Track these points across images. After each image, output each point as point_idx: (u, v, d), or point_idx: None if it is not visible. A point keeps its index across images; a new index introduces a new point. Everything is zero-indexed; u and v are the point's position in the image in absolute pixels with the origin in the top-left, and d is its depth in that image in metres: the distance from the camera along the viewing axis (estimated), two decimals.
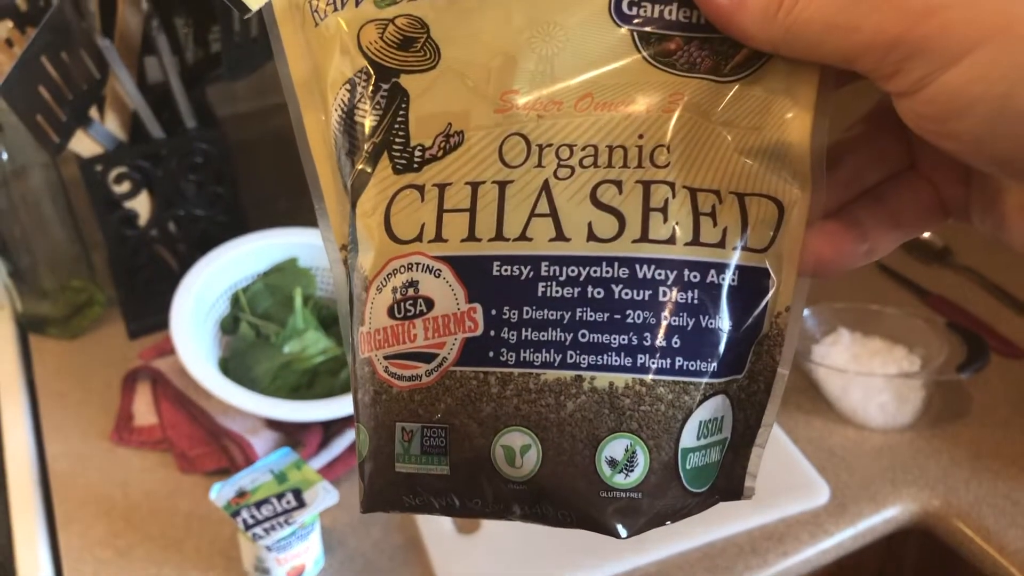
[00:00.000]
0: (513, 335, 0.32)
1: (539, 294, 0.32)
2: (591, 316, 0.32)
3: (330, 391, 0.94)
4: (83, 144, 0.95)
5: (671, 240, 0.32)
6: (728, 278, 0.33)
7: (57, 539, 0.87)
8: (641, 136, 0.33)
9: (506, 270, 0.32)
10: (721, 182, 0.33)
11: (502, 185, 0.33)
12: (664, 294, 0.32)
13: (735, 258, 0.33)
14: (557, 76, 0.33)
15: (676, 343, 0.32)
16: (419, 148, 0.33)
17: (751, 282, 0.34)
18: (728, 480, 0.35)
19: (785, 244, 0.34)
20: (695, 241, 0.33)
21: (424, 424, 0.33)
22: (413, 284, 0.33)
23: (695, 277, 0.32)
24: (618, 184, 0.32)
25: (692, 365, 0.33)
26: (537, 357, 0.32)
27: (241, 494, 0.80)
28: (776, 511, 0.89)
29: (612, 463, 0.32)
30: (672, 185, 0.32)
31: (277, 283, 1.01)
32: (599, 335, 0.32)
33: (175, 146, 0.99)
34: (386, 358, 0.34)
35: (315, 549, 0.83)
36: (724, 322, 0.33)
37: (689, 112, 0.33)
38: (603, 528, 0.33)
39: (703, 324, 0.33)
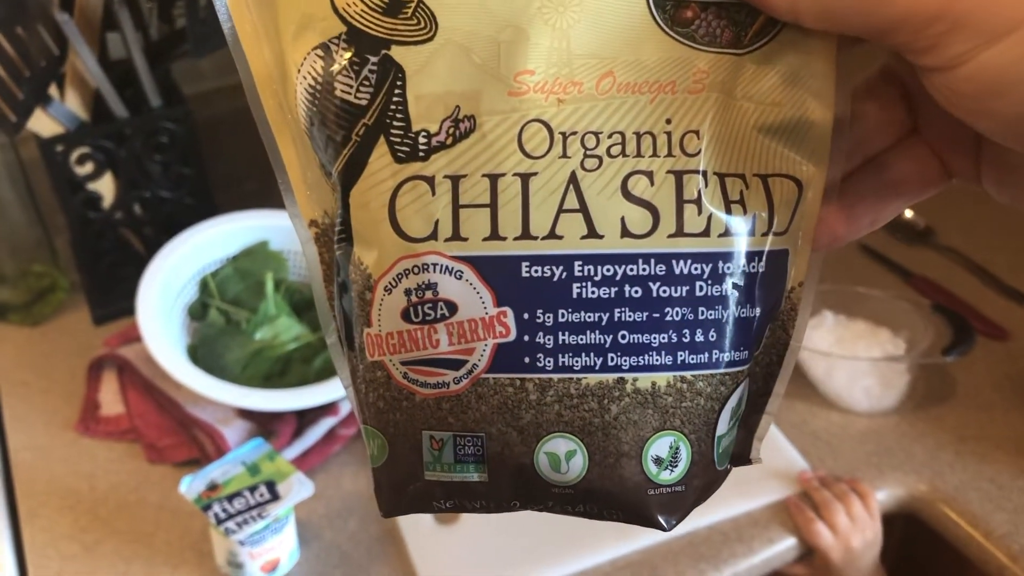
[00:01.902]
0: (549, 339, 0.31)
1: (574, 295, 0.31)
2: (630, 316, 0.31)
3: (303, 379, 0.91)
4: (42, 123, 0.92)
5: (706, 232, 0.31)
6: (761, 266, 0.32)
7: (20, 534, 0.84)
8: (669, 121, 0.31)
9: (537, 271, 0.31)
10: (746, 165, 0.31)
11: (525, 178, 0.30)
12: (701, 289, 0.31)
13: (767, 245, 0.32)
14: (574, 52, 0.30)
15: (713, 337, 0.32)
16: (424, 134, 0.30)
17: (777, 266, 0.33)
18: (740, 446, 0.35)
19: (802, 222, 0.33)
20: (728, 232, 0.31)
21: (456, 433, 0.32)
22: (431, 286, 0.31)
23: (729, 268, 0.31)
24: (649, 175, 0.30)
25: (729, 356, 0.32)
26: (577, 361, 0.31)
27: (212, 487, 0.77)
28: (761, 497, 0.87)
29: (658, 461, 0.32)
30: (704, 174, 0.31)
31: (247, 267, 0.98)
32: (639, 335, 0.31)
33: (139, 125, 0.96)
34: (404, 364, 0.32)
35: (290, 542, 0.80)
36: (756, 310, 0.32)
37: (715, 92, 0.31)
38: (650, 523, 0.32)
39: (738, 315, 0.32)
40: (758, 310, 0.32)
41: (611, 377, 0.31)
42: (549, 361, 0.31)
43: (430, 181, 0.30)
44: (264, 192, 1.08)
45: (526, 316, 0.31)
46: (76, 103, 0.94)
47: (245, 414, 0.90)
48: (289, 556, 0.80)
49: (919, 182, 0.33)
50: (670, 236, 0.31)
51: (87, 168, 0.96)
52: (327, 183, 0.33)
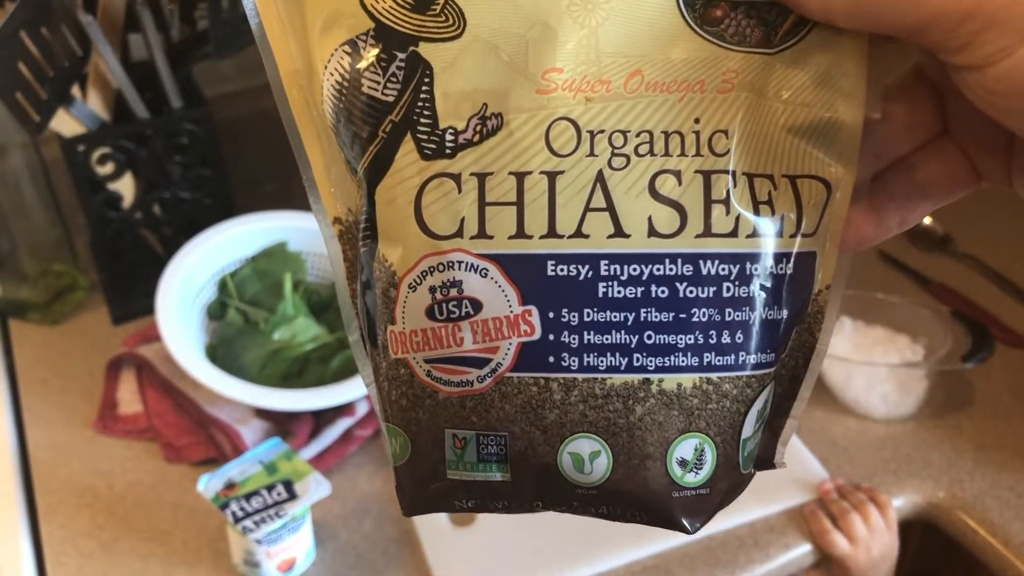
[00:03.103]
0: (574, 339, 0.31)
1: (600, 295, 0.30)
2: (656, 316, 0.31)
3: (321, 379, 0.91)
4: (65, 124, 0.92)
5: (734, 233, 0.31)
6: (788, 268, 0.32)
7: (39, 531, 0.84)
8: (697, 120, 0.30)
9: (562, 270, 0.30)
10: (774, 165, 0.31)
11: (552, 176, 0.30)
12: (728, 290, 0.31)
13: (795, 246, 0.32)
14: (603, 51, 0.30)
15: (740, 338, 0.31)
16: (451, 131, 0.30)
17: (805, 267, 0.32)
18: (764, 450, 0.35)
19: (830, 223, 0.32)
20: (757, 232, 0.31)
21: (479, 432, 0.32)
22: (456, 284, 0.31)
23: (757, 270, 0.31)
24: (677, 174, 0.30)
25: (755, 359, 0.32)
26: (602, 361, 0.31)
27: (230, 486, 0.78)
28: (778, 503, 0.87)
29: (683, 463, 0.32)
30: (732, 174, 0.31)
31: (266, 268, 0.99)
32: (665, 336, 0.31)
33: (160, 126, 0.96)
34: (428, 361, 0.32)
35: (306, 542, 0.80)
36: (783, 312, 0.32)
37: (744, 92, 0.31)
38: (674, 526, 0.32)
39: (765, 317, 0.31)
40: (785, 312, 0.32)
41: (636, 378, 0.31)
42: (574, 361, 0.31)
43: (456, 178, 0.30)
44: (283, 194, 1.09)
45: (551, 315, 0.31)
46: (98, 104, 0.95)
47: (262, 414, 0.90)
48: (305, 556, 0.81)
49: (948, 184, 0.33)
50: (698, 236, 0.30)
51: (108, 168, 0.96)
52: (352, 180, 0.32)
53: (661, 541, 0.83)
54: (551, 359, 0.31)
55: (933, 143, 0.33)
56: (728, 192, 0.30)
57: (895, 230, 0.33)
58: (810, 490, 0.88)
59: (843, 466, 0.91)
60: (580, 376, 0.31)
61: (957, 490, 0.90)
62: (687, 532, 0.32)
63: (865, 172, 0.32)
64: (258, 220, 0.99)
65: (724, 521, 0.85)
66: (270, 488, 0.77)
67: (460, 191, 0.30)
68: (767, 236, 0.31)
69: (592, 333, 0.31)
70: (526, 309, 0.31)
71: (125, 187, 0.99)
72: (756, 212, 0.31)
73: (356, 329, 0.34)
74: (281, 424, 0.90)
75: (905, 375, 0.95)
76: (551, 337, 0.31)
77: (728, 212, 0.31)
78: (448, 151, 0.30)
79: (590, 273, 0.30)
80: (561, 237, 0.30)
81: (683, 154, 0.30)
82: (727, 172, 0.30)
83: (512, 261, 0.30)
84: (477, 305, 0.31)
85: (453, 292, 0.31)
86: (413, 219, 0.31)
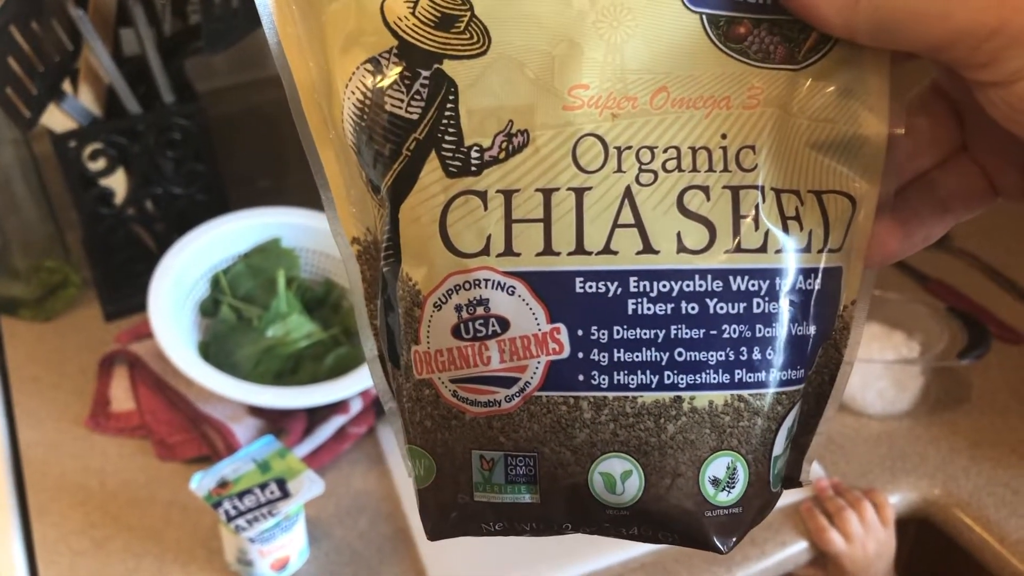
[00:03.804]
0: (604, 356, 0.30)
1: (629, 312, 0.30)
2: (687, 333, 0.30)
3: (315, 377, 0.91)
4: (56, 119, 0.92)
5: (763, 248, 0.30)
6: (816, 283, 0.32)
7: (31, 530, 0.84)
8: (724, 136, 0.30)
9: (591, 287, 0.30)
10: (800, 181, 0.31)
11: (579, 192, 0.30)
12: (758, 306, 0.31)
13: (822, 262, 0.32)
14: (628, 67, 0.30)
15: (771, 355, 0.31)
16: (476, 148, 0.30)
17: (832, 283, 0.32)
18: (790, 468, 0.35)
19: (855, 239, 0.32)
20: (785, 248, 0.31)
21: (508, 452, 0.31)
22: (482, 302, 0.30)
23: (786, 285, 0.31)
24: (705, 190, 0.30)
25: (785, 375, 0.32)
26: (632, 379, 0.30)
27: (223, 484, 0.77)
28: None
29: (715, 482, 0.31)
30: (760, 189, 0.30)
31: (259, 264, 0.98)
32: (696, 353, 0.30)
33: (152, 121, 0.96)
34: (454, 382, 0.31)
35: (300, 540, 0.80)
36: (812, 327, 0.32)
37: (770, 107, 0.30)
38: (706, 546, 0.32)
39: (794, 332, 0.31)
40: (813, 328, 0.32)
41: (668, 396, 0.30)
42: (604, 379, 0.30)
43: (482, 196, 0.30)
44: (277, 190, 1.08)
45: (580, 333, 0.30)
46: (89, 99, 0.94)
47: (256, 411, 0.89)
48: (299, 554, 0.80)
49: (966, 199, 0.33)
50: (727, 252, 0.30)
51: (99, 164, 0.95)
52: (372, 200, 0.32)
53: None
54: (580, 377, 0.30)
55: (952, 159, 0.33)
56: (757, 208, 0.30)
57: (920, 245, 0.33)
58: (806, 488, 0.88)
59: (839, 463, 0.91)
60: (611, 394, 0.30)
61: (953, 487, 0.90)
62: (719, 552, 0.32)
63: (889, 187, 0.32)
64: (252, 216, 0.99)
65: None
66: (263, 486, 0.77)
67: (486, 208, 0.30)
68: (795, 252, 0.31)
69: (622, 351, 0.30)
70: (554, 327, 0.30)
71: (117, 183, 0.98)
72: (784, 228, 0.31)
73: (373, 348, 0.34)
74: (275, 422, 0.89)
75: (901, 372, 0.95)
76: (580, 355, 0.30)
77: (757, 228, 0.30)
78: (474, 168, 0.30)
79: (619, 290, 0.30)
80: (589, 254, 0.30)
81: (711, 170, 0.30)
82: (756, 188, 0.30)
83: (540, 278, 0.30)
84: (504, 323, 0.30)
85: (480, 311, 0.30)
86: (438, 237, 0.30)
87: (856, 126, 0.31)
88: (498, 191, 0.30)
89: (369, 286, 0.33)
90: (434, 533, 0.33)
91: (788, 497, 0.87)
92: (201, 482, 0.77)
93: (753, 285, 0.30)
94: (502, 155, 0.30)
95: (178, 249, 0.94)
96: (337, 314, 0.98)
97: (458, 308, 0.31)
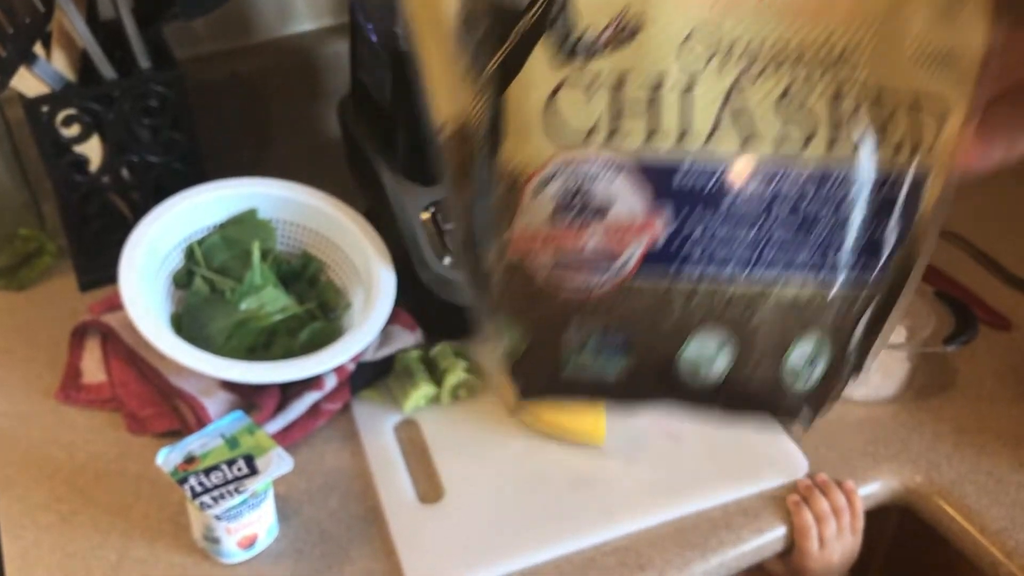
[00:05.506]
0: (697, 248, 0.32)
1: (725, 206, 0.31)
2: (778, 229, 0.32)
3: (289, 352, 0.89)
4: (27, 83, 0.89)
5: (856, 150, 0.32)
6: (903, 188, 0.33)
7: None
8: (830, 36, 0.31)
9: (690, 179, 0.31)
10: (900, 86, 0.32)
11: (686, 84, 0.31)
12: (848, 207, 0.32)
13: (912, 167, 0.33)
14: None
15: (855, 253, 0.33)
16: (587, 35, 0.30)
17: (917, 189, 0.33)
18: (857, 360, 0.36)
19: (941, 148, 0.33)
20: (878, 151, 0.32)
21: (599, 334, 0.33)
22: (582, 187, 0.31)
23: (875, 188, 0.32)
24: (808, 88, 0.31)
25: (867, 275, 0.33)
26: (723, 271, 0.32)
27: (190, 460, 0.76)
28: (751, 485, 0.85)
29: (797, 366, 0.34)
30: (859, 94, 0.31)
31: (235, 236, 0.96)
32: (786, 248, 0.32)
33: (128, 88, 0.93)
34: (549, 264, 0.33)
35: (268, 518, 0.78)
36: (893, 231, 0.33)
37: (873, 14, 0.31)
38: (790, 417, 0.35)
39: (878, 234, 0.33)
40: (895, 232, 0.33)
41: (755, 289, 0.32)
42: (696, 270, 0.32)
43: (590, 83, 0.30)
44: (258, 160, 1.06)
45: (676, 224, 0.31)
46: (63, 63, 0.92)
47: (228, 386, 0.88)
48: (267, 532, 0.79)
49: None
50: (824, 151, 0.31)
51: (73, 130, 0.93)
52: (471, 85, 0.32)
53: (631, 522, 0.81)
54: (673, 268, 0.32)
55: None
56: (855, 108, 0.31)
57: (1000, 157, 0.34)
58: (786, 473, 0.86)
59: (820, 448, 0.89)
60: (702, 285, 0.32)
61: (935, 475, 0.88)
62: (801, 425, 0.35)
63: (980, 99, 0.33)
64: (227, 186, 0.96)
65: (696, 502, 0.83)
66: (231, 463, 0.76)
67: (593, 96, 0.31)
68: (887, 156, 0.32)
69: (715, 243, 0.31)
70: (652, 216, 0.31)
71: (92, 150, 0.96)
72: (880, 132, 0.32)
73: (460, 229, 0.35)
74: (247, 396, 0.88)
75: (886, 357, 0.93)
76: (675, 245, 0.31)
77: (854, 129, 0.31)
78: (583, 55, 0.30)
79: (717, 184, 0.31)
80: (692, 147, 0.31)
81: (815, 68, 0.31)
82: (855, 88, 0.31)
83: (641, 168, 0.31)
84: (603, 210, 0.31)
85: (579, 196, 0.31)
86: (542, 122, 0.31)
87: (956, 39, 0.32)
88: (606, 79, 0.30)
89: (458, 169, 0.34)
90: (525, 393, 0.35)
91: (767, 482, 0.85)
92: (168, 457, 0.76)
93: (844, 186, 0.32)
94: (612, 43, 0.30)
95: (152, 219, 0.92)
96: (313, 288, 0.96)
97: (558, 192, 0.31)
